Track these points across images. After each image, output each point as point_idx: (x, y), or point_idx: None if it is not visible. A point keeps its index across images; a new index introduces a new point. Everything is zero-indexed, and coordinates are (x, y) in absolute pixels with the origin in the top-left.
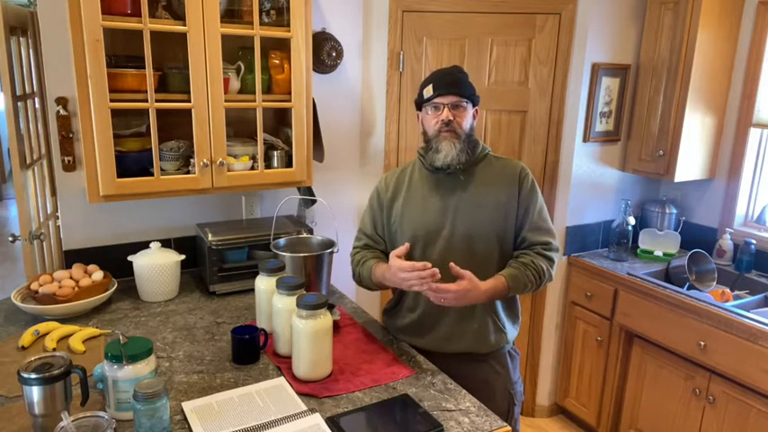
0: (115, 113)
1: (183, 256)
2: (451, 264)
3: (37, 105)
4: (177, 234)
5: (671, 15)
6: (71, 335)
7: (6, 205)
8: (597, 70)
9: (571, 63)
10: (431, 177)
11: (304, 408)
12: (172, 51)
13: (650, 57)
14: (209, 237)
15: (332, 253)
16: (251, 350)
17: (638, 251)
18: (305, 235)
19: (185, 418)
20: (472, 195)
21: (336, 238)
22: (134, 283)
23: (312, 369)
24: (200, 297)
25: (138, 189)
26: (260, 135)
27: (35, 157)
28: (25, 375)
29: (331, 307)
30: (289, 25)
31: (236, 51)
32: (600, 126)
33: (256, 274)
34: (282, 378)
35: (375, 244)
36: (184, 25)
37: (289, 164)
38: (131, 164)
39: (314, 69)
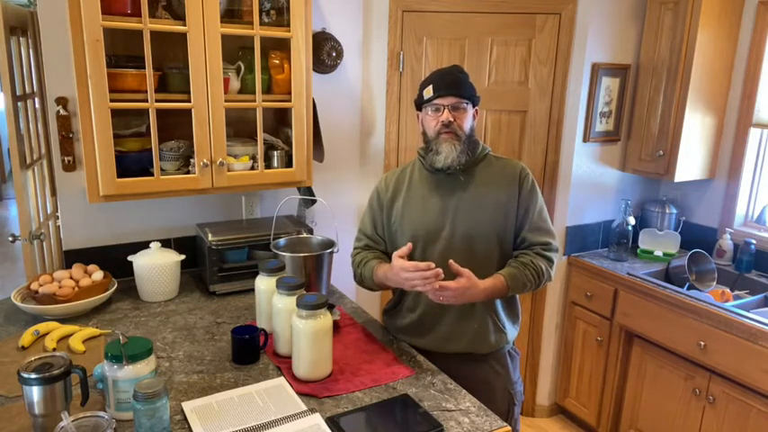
0: (115, 113)
1: (183, 256)
2: (451, 261)
3: (37, 105)
4: (177, 234)
5: (671, 15)
6: (71, 335)
7: (6, 205)
8: (597, 70)
9: (571, 63)
10: (431, 177)
11: (304, 408)
12: (172, 51)
13: (650, 57)
14: (209, 237)
15: (332, 253)
16: (251, 350)
17: (638, 251)
18: (305, 235)
19: (185, 418)
20: (472, 195)
21: (336, 238)
22: (134, 283)
23: (312, 369)
24: (200, 297)
25: (138, 189)
26: (260, 135)
27: (35, 157)
28: (25, 375)
29: (331, 307)
30: (289, 25)
31: (236, 51)
32: (600, 126)
33: (256, 274)
34: (282, 378)
35: (375, 244)
36: (184, 25)
37: (289, 164)
38: (131, 164)
39: (314, 69)
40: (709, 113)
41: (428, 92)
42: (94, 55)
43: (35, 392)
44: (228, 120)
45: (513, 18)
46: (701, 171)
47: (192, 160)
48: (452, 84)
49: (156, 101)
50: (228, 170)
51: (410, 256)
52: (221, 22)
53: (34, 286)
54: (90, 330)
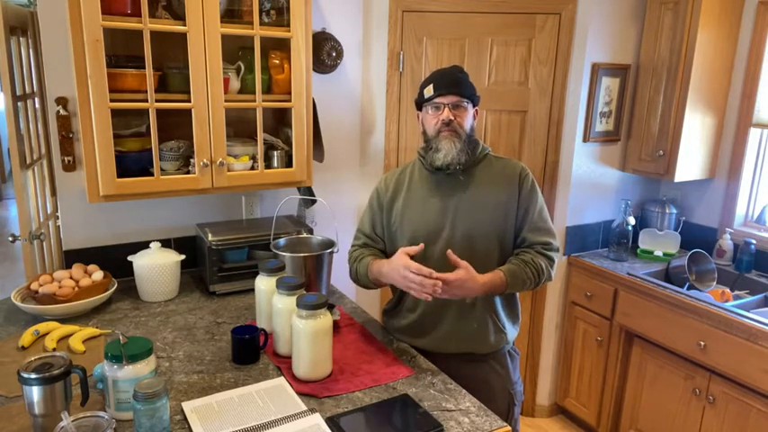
0: (115, 113)
1: (183, 256)
2: (449, 251)
3: (37, 105)
4: (177, 234)
5: (671, 15)
6: (71, 335)
7: (6, 205)
8: (597, 70)
9: (571, 63)
10: (431, 178)
11: (304, 408)
12: (172, 51)
13: (650, 57)
14: (209, 237)
15: (332, 253)
16: (251, 350)
17: (638, 251)
18: (305, 235)
19: (185, 418)
20: (472, 196)
21: (336, 238)
22: (134, 283)
23: (312, 369)
24: (200, 297)
25: (138, 189)
26: (260, 135)
27: (35, 157)
28: (25, 375)
29: (331, 307)
30: (289, 25)
31: (236, 51)
32: (600, 126)
33: (256, 274)
34: (282, 378)
35: (374, 243)
36: (184, 25)
37: (289, 164)
38: (131, 164)
39: (314, 69)
40: (709, 113)
41: (429, 91)
42: (94, 55)
43: (35, 392)
44: (228, 120)
45: (513, 18)
46: (701, 171)
47: (192, 160)
48: (453, 83)
49: (156, 101)
50: (228, 170)
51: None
52: (221, 22)
53: (34, 286)
54: (90, 330)
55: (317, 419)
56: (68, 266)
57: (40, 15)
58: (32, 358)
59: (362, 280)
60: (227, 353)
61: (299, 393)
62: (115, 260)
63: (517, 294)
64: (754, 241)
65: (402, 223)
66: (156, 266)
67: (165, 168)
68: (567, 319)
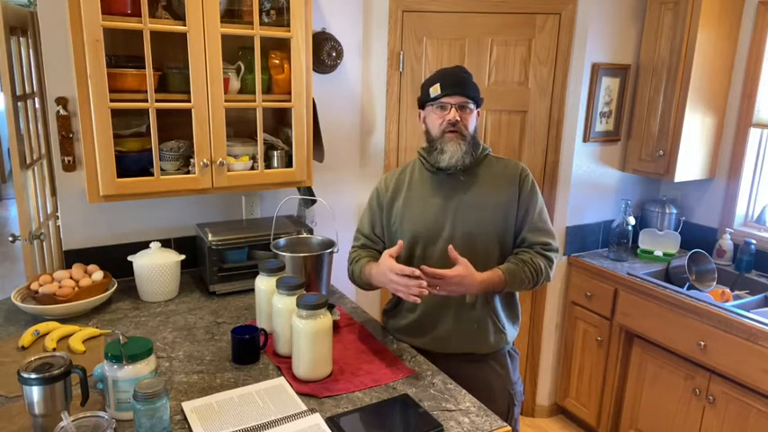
0: (115, 113)
1: (183, 256)
2: (450, 247)
3: (37, 105)
4: (177, 234)
5: (671, 15)
6: (71, 335)
7: (6, 205)
8: (597, 70)
9: (571, 63)
10: (431, 178)
11: (304, 408)
12: (172, 51)
13: (650, 57)
14: (209, 237)
15: (332, 253)
16: (251, 350)
17: (638, 251)
18: (305, 235)
19: (185, 418)
20: (473, 196)
21: (336, 238)
22: (134, 283)
23: (312, 369)
24: (200, 297)
25: (138, 189)
26: (260, 135)
27: (35, 157)
28: (25, 375)
29: (331, 307)
30: (289, 25)
31: (236, 51)
32: (600, 126)
33: (256, 274)
34: (282, 378)
35: (372, 244)
36: (184, 25)
37: (289, 164)
38: (131, 164)
39: (314, 69)
40: (709, 113)
41: (435, 90)
42: (94, 55)
43: (35, 392)
44: (228, 120)
45: (513, 18)
46: (701, 171)
47: (192, 160)
48: (459, 83)
49: (156, 101)
50: (228, 170)
51: (411, 257)
52: (221, 22)
53: (34, 286)
54: (90, 330)
55: (316, 419)
56: (68, 266)
57: (40, 15)
58: (32, 358)
59: (359, 282)
60: (227, 353)
61: (299, 393)
62: (115, 260)
63: (517, 294)
64: (754, 241)
65: (402, 223)
66: (156, 266)
67: (165, 168)
68: (567, 319)
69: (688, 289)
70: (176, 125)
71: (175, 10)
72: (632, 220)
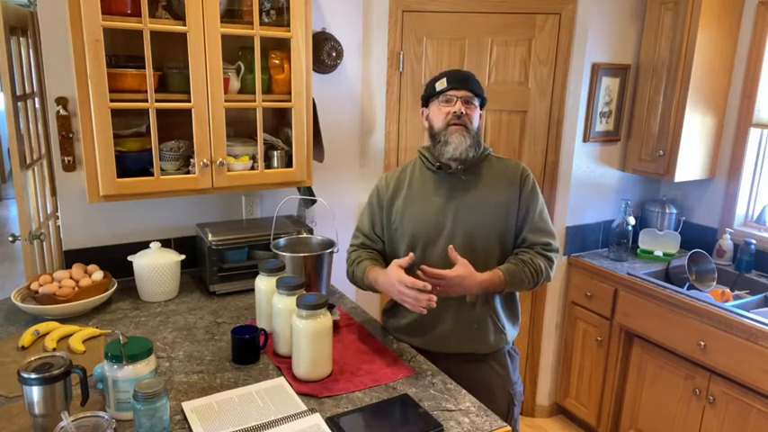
0: (115, 113)
1: (183, 256)
2: (451, 247)
3: (37, 105)
4: (177, 234)
5: (671, 15)
6: (71, 335)
7: (6, 205)
8: (597, 70)
9: (571, 63)
10: (432, 177)
11: (304, 408)
12: (172, 51)
13: (650, 57)
14: (209, 237)
15: (332, 253)
16: (251, 350)
17: (638, 251)
18: (305, 235)
19: (185, 418)
20: (473, 195)
21: (336, 238)
22: (134, 283)
23: (312, 369)
24: (200, 297)
25: (138, 189)
26: (260, 135)
27: (35, 157)
28: (25, 375)
29: (331, 307)
30: (289, 25)
31: (236, 51)
32: (600, 126)
33: (256, 274)
34: (282, 378)
35: (372, 243)
36: (184, 25)
37: (289, 164)
38: (131, 164)
39: (314, 69)
40: (709, 113)
41: (441, 84)
42: (94, 55)
43: (35, 392)
44: (228, 120)
45: (513, 18)
46: (701, 171)
47: (192, 160)
48: (465, 79)
49: (156, 101)
50: (228, 170)
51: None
52: (221, 22)
53: (34, 286)
54: (90, 330)
55: (316, 419)
56: (68, 266)
57: (40, 15)
58: (32, 358)
59: (359, 284)
60: (227, 353)
61: (299, 393)
62: (115, 260)
63: (517, 294)
64: (754, 241)
65: (402, 222)
66: (156, 266)
67: (165, 168)
68: (567, 319)
69: (688, 289)
70: (176, 125)
71: (175, 10)
72: (632, 220)
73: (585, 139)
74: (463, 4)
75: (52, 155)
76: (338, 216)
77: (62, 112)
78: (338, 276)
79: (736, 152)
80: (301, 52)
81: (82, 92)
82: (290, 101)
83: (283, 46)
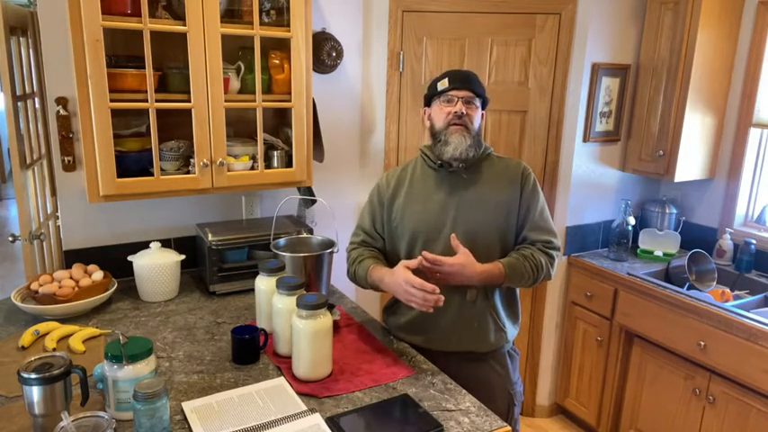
0: (115, 113)
1: (183, 256)
2: (453, 235)
3: (37, 105)
4: (177, 234)
5: (671, 15)
6: (71, 335)
7: (6, 205)
8: (597, 70)
9: (571, 63)
10: (433, 175)
11: (304, 408)
12: (172, 51)
13: (650, 57)
14: (209, 237)
15: (332, 253)
16: (251, 350)
17: (638, 251)
18: (305, 235)
19: (185, 418)
20: (474, 194)
21: (336, 238)
22: (134, 283)
23: (312, 369)
24: (200, 297)
25: (138, 189)
26: (260, 135)
27: (35, 157)
28: (25, 375)
29: (331, 307)
30: (289, 25)
31: (236, 51)
32: (600, 126)
33: (256, 274)
34: (282, 378)
35: (372, 241)
36: (184, 25)
37: (289, 164)
38: (131, 164)
39: (314, 69)
40: (709, 113)
41: (443, 84)
42: (94, 55)
43: (35, 392)
44: (228, 120)
45: (513, 18)
46: (701, 171)
47: (192, 160)
48: (467, 79)
49: (156, 101)
50: (228, 170)
51: (410, 254)
52: (221, 22)
53: (34, 286)
54: (90, 330)
55: (316, 419)
56: (68, 266)
57: (40, 15)
58: (32, 358)
59: (361, 283)
60: (227, 353)
61: (299, 393)
62: (115, 260)
63: (517, 293)
64: (754, 241)
65: (403, 220)
66: (156, 266)
67: (165, 168)
68: (567, 318)
69: (688, 289)
70: (176, 125)
71: (175, 10)
72: (632, 220)
73: (585, 139)
74: (463, 4)
75: (52, 155)
76: (338, 216)
77: (62, 112)
78: (338, 276)
79: (736, 152)
80: (301, 52)
81: (82, 92)
82: (290, 101)
83: (283, 46)
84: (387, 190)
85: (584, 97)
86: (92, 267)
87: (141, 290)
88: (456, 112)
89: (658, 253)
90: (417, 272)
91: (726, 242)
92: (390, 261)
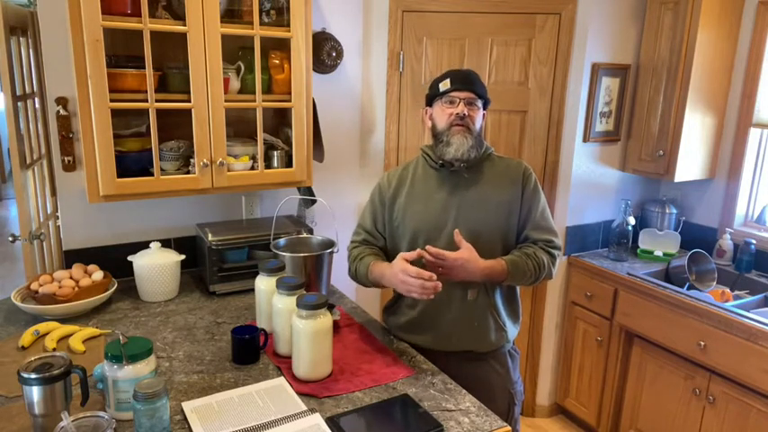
0: (115, 113)
1: (183, 256)
2: (456, 231)
3: (37, 105)
4: (177, 234)
5: (671, 15)
6: (71, 335)
7: (6, 205)
8: (597, 70)
9: (571, 63)
10: (434, 175)
11: (304, 408)
12: (172, 51)
13: (650, 57)
14: (209, 237)
15: (332, 253)
16: (251, 350)
17: (638, 251)
18: (305, 235)
19: (185, 418)
20: (475, 193)
21: (336, 238)
22: (134, 283)
23: (312, 369)
24: (200, 297)
25: (138, 189)
26: (260, 135)
27: (35, 157)
28: (25, 375)
29: (331, 307)
30: (289, 25)
31: (236, 51)
32: (600, 126)
33: (256, 274)
34: (282, 378)
35: (374, 240)
36: (184, 25)
37: (289, 164)
38: (131, 164)
39: (314, 69)
40: (709, 113)
41: (445, 84)
42: (94, 55)
43: (35, 392)
44: (228, 120)
45: (513, 18)
46: (701, 171)
47: (192, 160)
48: (469, 80)
49: (156, 101)
50: (228, 170)
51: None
52: (221, 22)
53: (34, 286)
54: (90, 330)
55: (316, 419)
56: (68, 266)
57: (40, 15)
58: (32, 358)
59: (362, 280)
60: (227, 353)
61: (299, 393)
62: (115, 260)
63: (518, 292)
64: (754, 241)
65: (404, 219)
66: (156, 266)
67: (165, 168)
68: (567, 318)
69: (688, 289)
70: (176, 125)
71: (175, 10)
72: (632, 220)
73: (585, 139)
74: (463, 4)
75: (52, 155)
76: (338, 216)
77: (62, 112)
78: (338, 276)
79: (736, 152)
80: (301, 52)
81: (82, 92)
82: (290, 101)
83: (283, 46)
84: (388, 189)
85: (584, 97)
86: (92, 267)
87: (141, 290)
88: (458, 114)
89: (658, 253)
90: (420, 267)
91: (726, 242)
92: (391, 260)
